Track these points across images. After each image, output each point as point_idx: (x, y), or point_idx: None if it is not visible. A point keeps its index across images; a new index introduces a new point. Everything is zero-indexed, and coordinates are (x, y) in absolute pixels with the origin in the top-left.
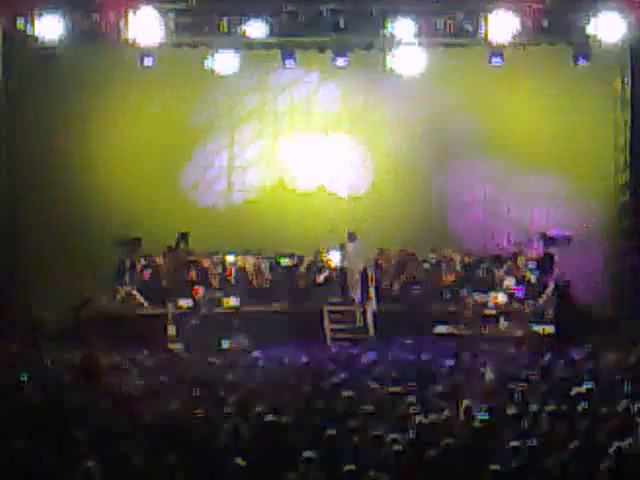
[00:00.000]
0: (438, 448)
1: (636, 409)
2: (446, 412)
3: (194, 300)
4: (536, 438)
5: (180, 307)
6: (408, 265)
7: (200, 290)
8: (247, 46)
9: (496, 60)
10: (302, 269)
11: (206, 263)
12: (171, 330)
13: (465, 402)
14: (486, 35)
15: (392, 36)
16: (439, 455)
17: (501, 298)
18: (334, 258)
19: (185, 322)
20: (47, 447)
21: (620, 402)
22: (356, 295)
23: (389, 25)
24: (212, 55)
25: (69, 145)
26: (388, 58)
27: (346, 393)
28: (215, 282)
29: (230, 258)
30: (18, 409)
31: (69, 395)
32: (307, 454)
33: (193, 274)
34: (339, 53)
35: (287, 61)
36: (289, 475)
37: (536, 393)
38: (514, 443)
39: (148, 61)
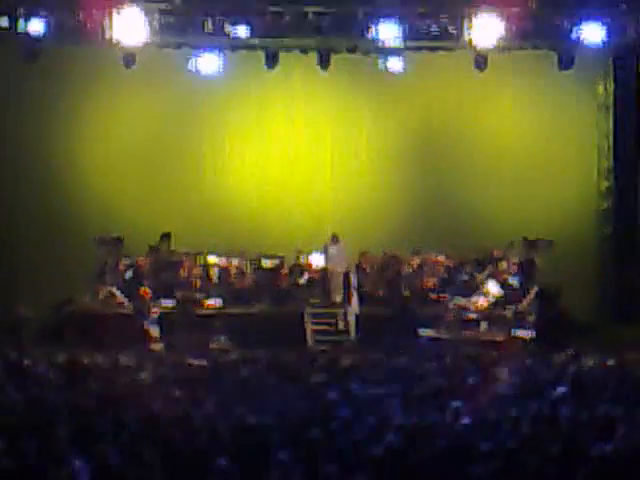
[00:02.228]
0: (420, 451)
1: (617, 413)
2: (430, 415)
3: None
4: (516, 441)
5: (162, 307)
6: (390, 268)
7: (148, 292)
8: (231, 47)
9: (479, 65)
10: (284, 271)
11: (189, 263)
12: (153, 330)
13: (454, 404)
14: (470, 39)
15: (376, 39)
16: (421, 459)
17: (482, 302)
18: (316, 260)
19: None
20: (30, 447)
21: (601, 406)
22: (338, 298)
23: (373, 28)
24: (196, 56)
25: (52, 144)
26: (372, 61)
27: (328, 395)
28: (197, 283)
29: (212, 259)
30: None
31: (51, 394)
32: (287, 455)
33: (181, 273)
34: (323, 55)
35: (271, 62)
36: (269, 476)
37: (517, 397)
38: (490, 446)
39: (132, 61)
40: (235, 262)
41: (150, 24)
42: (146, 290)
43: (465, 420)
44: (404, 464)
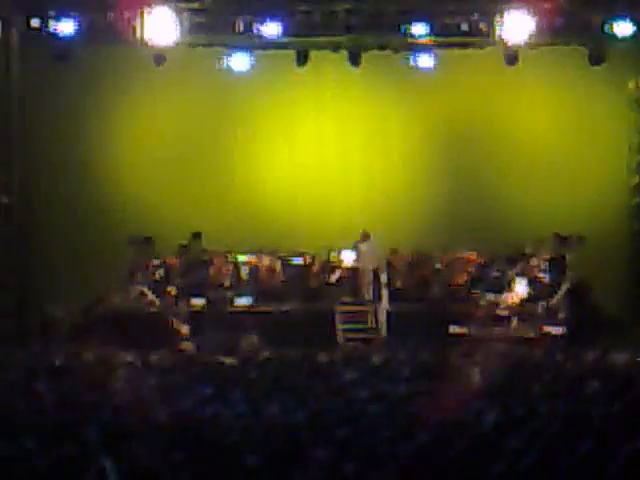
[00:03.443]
0: (448, 449)
1: None
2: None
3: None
4: (547, 439)
5: (193, 306)
6: (421, 265)
7: (174, 291)
8: (262, 46)
9: (509, 62)
10: (315, 269)
11: (219, 262)
12: (183, 329)
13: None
14: (501, 36)
15: (407, 37)
16: (449, 456)
17: (513, 299)
18: (347, 258)
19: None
20: (60, 446)
21: (631, 403)
22: (368, 295)
23: (404, 26)
24: (227, 55)
25: (84, 144)
26: (403, 58)
27: (358, 393)
28: (227, 281)
29: (243, 257)
30: (31, 408)
31: (82, 394)
32: (318, 454)
33: (212, 272)
34: (354, 53)
35: (301, 61)
36: (299, 475)
37: (547, 393)
38: (522, 444)
39: (162, 61)
40: (266, 260)
41: (181, 24)
42: (172, 289)
43: (493, 418)
44: (433, 462)
